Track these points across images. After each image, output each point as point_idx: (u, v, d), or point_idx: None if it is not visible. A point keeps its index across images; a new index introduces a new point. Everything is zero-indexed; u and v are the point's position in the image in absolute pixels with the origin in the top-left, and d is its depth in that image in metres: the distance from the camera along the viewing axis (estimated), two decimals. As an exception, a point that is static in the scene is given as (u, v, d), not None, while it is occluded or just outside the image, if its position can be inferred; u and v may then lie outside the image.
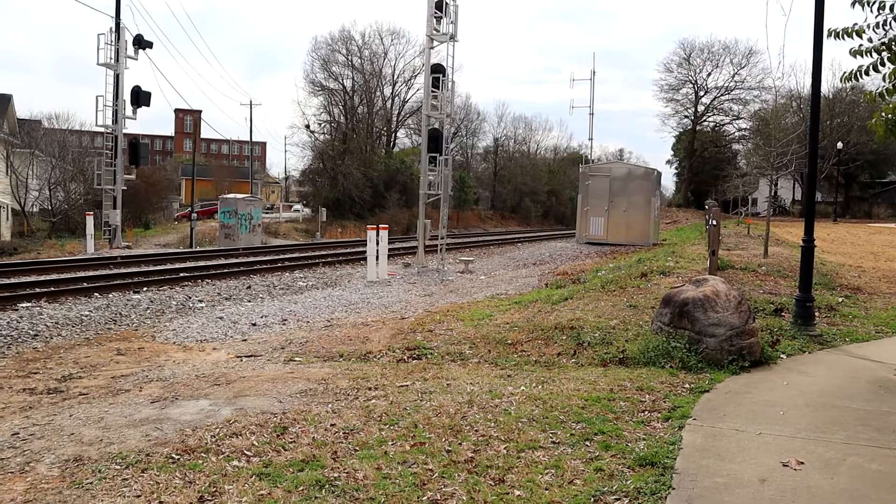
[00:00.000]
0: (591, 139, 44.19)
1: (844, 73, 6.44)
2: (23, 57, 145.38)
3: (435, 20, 19.08)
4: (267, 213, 50.37)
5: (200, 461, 4.26)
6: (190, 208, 36.76)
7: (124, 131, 25.97)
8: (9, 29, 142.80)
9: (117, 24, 24.94)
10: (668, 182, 75.41)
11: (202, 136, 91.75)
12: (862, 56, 6.13)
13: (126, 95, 25.32)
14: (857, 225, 37.97)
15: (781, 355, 7.26)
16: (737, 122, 65.82)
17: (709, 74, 64.66)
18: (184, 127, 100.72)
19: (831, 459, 4.40)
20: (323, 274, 18.61)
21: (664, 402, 5.60)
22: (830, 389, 6.09)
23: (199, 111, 74.51)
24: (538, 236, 40.61)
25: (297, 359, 7.78)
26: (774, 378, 6.47)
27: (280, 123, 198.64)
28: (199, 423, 5.06)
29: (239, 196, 32.39)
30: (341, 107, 55.94)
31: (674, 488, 3.92)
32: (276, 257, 22.71)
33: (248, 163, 79.03)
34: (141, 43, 25.60)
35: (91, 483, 3.95)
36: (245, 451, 4.43)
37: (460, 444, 4.62)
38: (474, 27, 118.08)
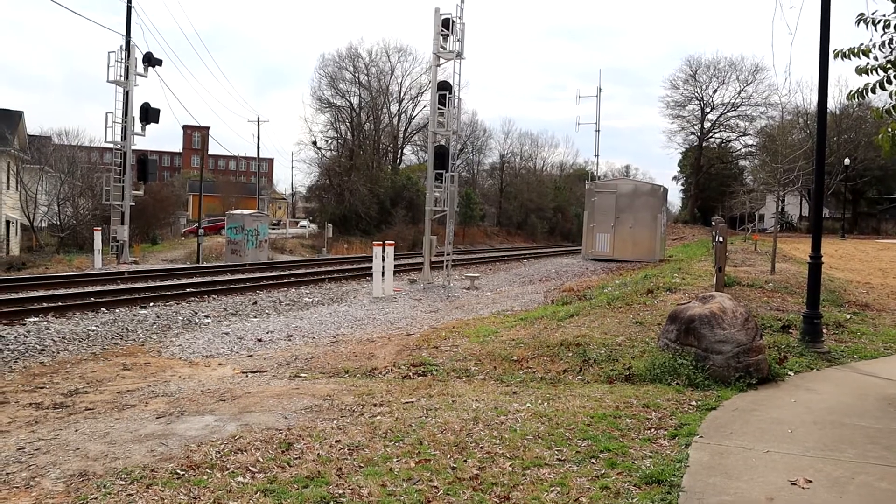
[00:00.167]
0: (597, 155, 43.93)
1: (851, 91, 6.47)
2: (36, 75, 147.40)
3: (442, 38, 19.23)
4: (273, 229, 50.58)
5: (205, 477, 4.25)
6: (197, 224, 36.97)
7: (133, 147, 26.17)
8: (23, 48, 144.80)
9: (127, 42, 25.23)
10: (675, 198, 75.46)
11: (210, 152, 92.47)
12: (868, 74, 6.15)
13: (135, 112, 25.56)
14: (865, 241, 37.80)
15: (789, 372, 7.22)
16: (743, 138, 65.88)
17: (715, 91, 64.85)
18: (192, 143, 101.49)
19: (840, 478, 4.36)
20: (329, 290, 18.63)
21: (671, 419, 5.57)
22: (839, 407, 6.04)
23: (208, 127, 75.25)
24: (544, 252, 40.56)
25: (302, 375, 7.78)
26: (782, 395, 6.43)
27: (287, 140, 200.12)
28: (204, 438, 5.06)
29: (246, 212, 32.54)
30: (348, 123, 56.34)
31: (680, 507, 3.89)
32: (283, 273, 22.74)
33: (255, 179, 79.47)
34: (150, 60, 25.87)
35: (96, 498, 3.94)
36: (250, 467, 4.42)
37: (465, 461, 4.60)
38: (481, 45, 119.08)
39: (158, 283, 18.28)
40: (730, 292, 9.97)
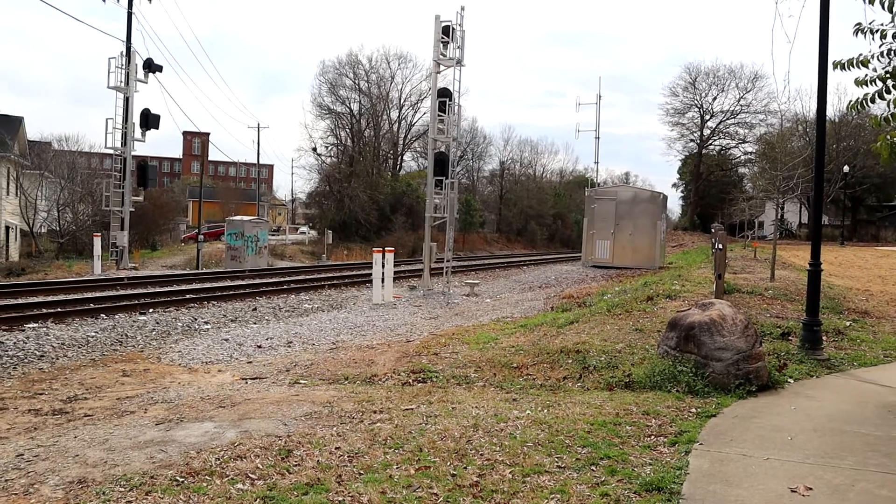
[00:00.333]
0: (596, 162, 43.92)
1: (850, 101, 6.49)
2: (36, 81, 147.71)
3: (442, 45, 19.30)
4: (273, 235, 50.60)
5: (205, 484, 4.24)
6: (197, 230, 36.97)
7: (133, 153, 26.23)
8: (23, 54, 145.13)
9: (128, 49, 25.31)
10: (674, 205, 75.44)
11: (210, 158, 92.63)
12: (867, 85, 6.17)
13: (135, 118, 25.62)
14: (864, 248, 37.78)
15: (789, 380, 7.21)
16: (743, 145, 65.98)
17: (714, 98, 65.02)
18: (192, 149, 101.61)
19: (840, 485, 4.36)
20: (328, 296, 18.63)
21: (670, 426, 5.56)
22: (839, 414, 6.04)
23: (208, 134, 75.11)
24: (544, 259, 40.57)
25: (302, 381, 7.77)
26: (782, 402, 6.43)
27: (287, 146, 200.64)
28: (203, 445, 5.05)
29: (246, 218, 32.53)
30: (348, 130, 56.46)
31: (681, 514, 3.88)
32: (282, 279, 22.75)
33: (255, 185, 79.55)
34: (151, 67, 25.94)
35: (95, 505, 3.93)
36: (249, 474, 4.41)
37: (465, 468, 4.59)
38: (481, 51, 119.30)
39: (158, 289, 18.27)
40: (729, 299, 9.97)
